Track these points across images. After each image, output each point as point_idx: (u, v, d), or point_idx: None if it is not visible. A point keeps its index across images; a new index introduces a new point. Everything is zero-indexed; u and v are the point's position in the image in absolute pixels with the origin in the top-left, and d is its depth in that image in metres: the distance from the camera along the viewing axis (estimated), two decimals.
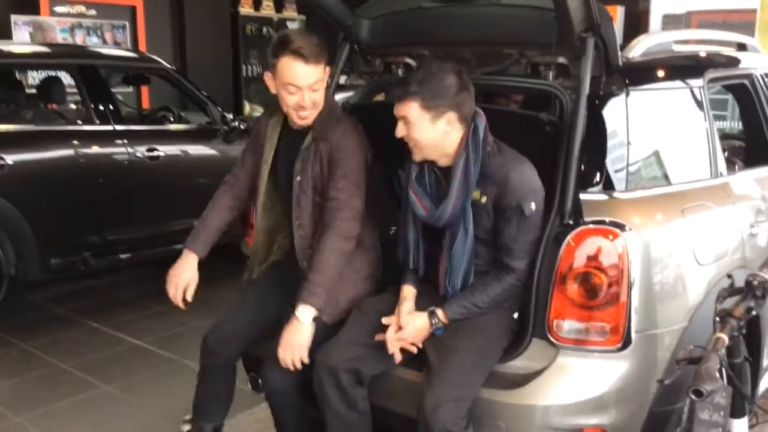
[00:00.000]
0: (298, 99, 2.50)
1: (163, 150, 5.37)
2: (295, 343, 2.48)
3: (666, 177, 2.80)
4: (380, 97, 3.45)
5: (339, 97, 3.42)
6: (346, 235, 2.56)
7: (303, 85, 2.48)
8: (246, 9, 9.83)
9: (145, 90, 8.15)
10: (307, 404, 2.69)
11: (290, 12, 10.59)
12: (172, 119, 5.92)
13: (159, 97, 7.52)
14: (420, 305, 2.53)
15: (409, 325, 2.46)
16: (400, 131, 2.45)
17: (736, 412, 2.05)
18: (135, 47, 8.59)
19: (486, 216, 2.45)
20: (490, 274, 2.48)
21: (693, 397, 1.79)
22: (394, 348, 2.45)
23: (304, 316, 2.48)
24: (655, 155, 2.79)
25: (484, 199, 2.43)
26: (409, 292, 2.58)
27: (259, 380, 2.99)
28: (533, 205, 2.39)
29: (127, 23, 8.64)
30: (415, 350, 2.48)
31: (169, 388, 3.97)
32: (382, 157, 3.60)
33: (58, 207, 4.90)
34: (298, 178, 2.63)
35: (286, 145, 2.71)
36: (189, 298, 2.76)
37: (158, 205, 5.41)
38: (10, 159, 4.63)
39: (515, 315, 2.54)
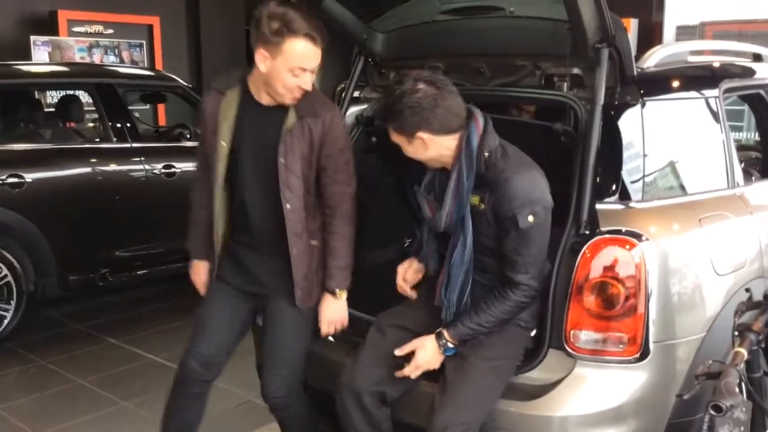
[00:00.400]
0: (300, 81, 2.43)
1: (180, 167, 5.41)
2: (338, 318, 2.72)
3: (682, 187, 2.78)
4: None
5: (353, 110, 3.44)
6: (352, 218, 2.67)
7: (312, 67, 2.44)
8: None
9: (161, 107, 8.22)
10: (313, 413, 2.79)
11: None
12: (188, 136, 5.97)
13: (175, 114, 7.58)
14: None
15: (419, 352, 2.41)
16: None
17: (756, 427, 2.03)
18: (152, 65, 8.68)
19: (487, 224, 2.36)
20: (495, 291, 2.37)
21: (712, 412, 1.78)
22: (416, 376, 2.43)
23: (338, 296, 2.69)
24: (671, 165, 2.78)
25: (483, 206, 2.34)
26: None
27: None
28: (530, 218, 2.26)
29: (144, 42, 8.74)
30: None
31: None
32: (395, 170, 3.62)
33: (76, 224, 4.95)
34: (282, 160, 2.51)
35: (251, 124, 2.56)
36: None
37: (175, 221, 5.40)
38: (29, 177, 4.70)
39: (532, 333, 2.49)
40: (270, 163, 2.52)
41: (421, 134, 2.30)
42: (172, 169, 5.36)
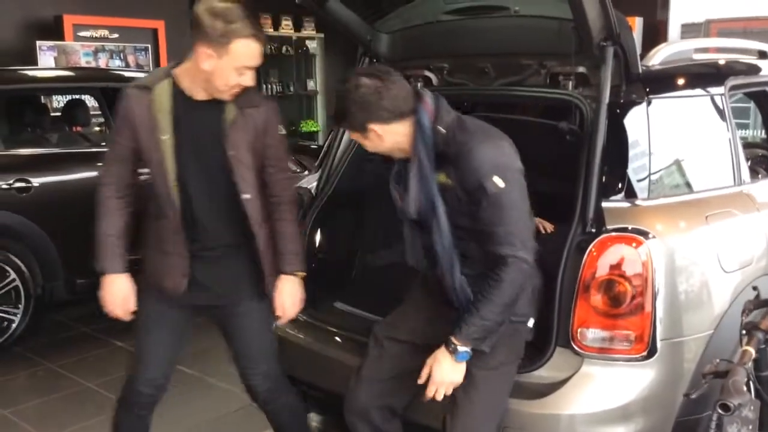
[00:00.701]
0: (243, 79, 2.44)
1: None
2: (299, 300, 2.71)
3: (689, 185, 2.78)
4: None
5: None
6: (297, 203, 2.77)
7: (257, 64, 2.45)
8: (265, 29, 9.92)
9: None
10: (300, 400, 2.85)
11: (309, 31, 10.69)
12: None
13: None
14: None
15: (435, 368, 2.31)
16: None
17: (764, 425, 2.02)
18: None
19: (458, 201, 2.28)
20: (488, 277, 2.25)
21: (720, 411, 1.78)
22: (440, 396, 2.32)
23: (298, 278, 2.70)
24: (677, 163, 2.77)
25: (450, 182, 2.27)
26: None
27: None
28: (499, 182, 2.19)
29: (149, 45, 8.76)
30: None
31: (193, 406, 3.98)
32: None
33: (83, 228, 4.93)
34: (233, 152, 2.50)
35: (188, 118, 2.50)
36: (132, 308, 2.67)
37: None
38: (36, 181, 4.70)
39: (530, 323, 2.42)
40: (214, 158, 2.51)
41: (372, 127, 2.28)
42: None
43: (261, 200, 2.60)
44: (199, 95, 2.49)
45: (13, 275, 4.66)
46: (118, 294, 2.63)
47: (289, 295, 2.68)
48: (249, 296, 2.67)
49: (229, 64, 2.37)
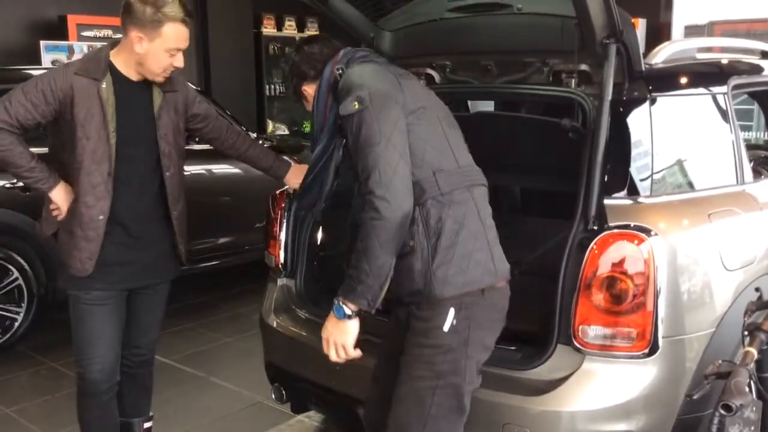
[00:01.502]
0: (175, 60, 2.61)
1: (189, 169, 5.40)
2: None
3: (691, 183, 2.78)
4: None
5: None
6: (242, 133, 3.16)
7: (185, 47, 2.62)
8: (268, 29, 9.95)
9: None
10: None
11: (312, 31, 10.70)
12: (197, 139, 5.98)
13: None
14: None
15: (323, 330, 2.25)
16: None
17: (767, 426, 2.02)
18: None
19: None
20: None
21: (722, 412, 1.77)
22: (333, 355, 2.24)
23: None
24: (680, 161, 2.77)
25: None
26: None
27: (283, 390, 3.00)
28: (354, 104, 2.12)
29: None
30: (354, 354, 2.23)
31: (196, 405, 3.99)
32: None
33: None
34: (160, 132, 2.72)
35: (124, 101, 2.65)
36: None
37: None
38: None
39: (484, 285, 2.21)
40: (143, 137, 2.70)
41: (304, 89, 2.45)
42: None
43: (181, 177, 2.86)
44: (134, 77, 2.66)
45: (16, 274, 4.68)
46: (67, 196, 2.68)
47: (298, 172, 2.88)
48: (163, 276, 2.94)
49: (161, 47, 2.55)
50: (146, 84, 2.69)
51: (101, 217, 2.64)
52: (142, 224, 2.77)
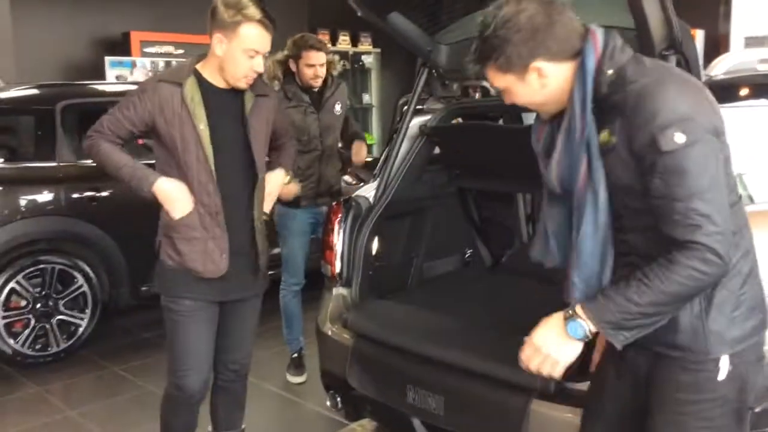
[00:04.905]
0: (254, 63, 2.64)
1: None
2: (278, 187, 3.06)
3: (751, 197, 2.73)
4: (458, 120, 3.50)
5: (417, 121, 3.49)
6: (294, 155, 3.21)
7: (264, 50, 2.66)
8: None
9: None
10: None
11: (366, 46, 10.81)
12: None
13: None
14: None
15: (538, 330, 1.85)
16: (505, 99, 1.96)
17: None
18: None
19: (623, 167, 1.75)
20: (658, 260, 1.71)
21: None
22: (534, 366, 1.86)
23: (287, 174, 3.10)
24: (740, 174, 2.73)
25: (613, 140, 1.75)
26: None
27: (338, 398, 3.03)
28: (678, 137, 1.64)
29: None
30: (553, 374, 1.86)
31: (255, 407, 4.04)
32: (457, 179, 3.65)
33: (148, 236, 5.06)
34: (253, 136, 2.76)
35: (216, 107, 2.71)
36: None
37: None
38: (104, 191, 4.87)
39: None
40: (236, 143, 2.74)
41: (537, 64, 1.79)
42: None
43: (263, 182, 2.87)
44: (222, 84, 2.72)
45: (81, 281, 4.83)
46: (181, 187, 2.70)
47: (271, 181, 2.93)
48: (250, 288, 2.91)
49: (238, 47, 2.61)
50: (235, 90, 2.73)
51: (219, 216, 2.71)
52: (232, 232, 2.76)
